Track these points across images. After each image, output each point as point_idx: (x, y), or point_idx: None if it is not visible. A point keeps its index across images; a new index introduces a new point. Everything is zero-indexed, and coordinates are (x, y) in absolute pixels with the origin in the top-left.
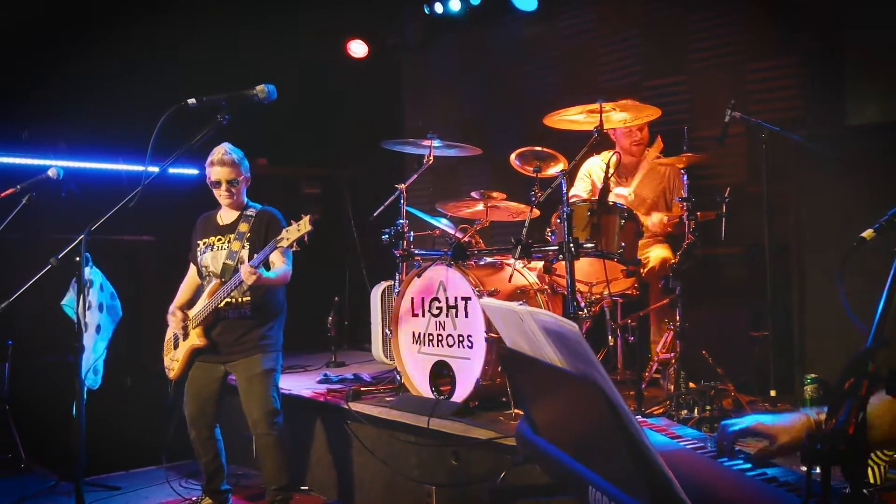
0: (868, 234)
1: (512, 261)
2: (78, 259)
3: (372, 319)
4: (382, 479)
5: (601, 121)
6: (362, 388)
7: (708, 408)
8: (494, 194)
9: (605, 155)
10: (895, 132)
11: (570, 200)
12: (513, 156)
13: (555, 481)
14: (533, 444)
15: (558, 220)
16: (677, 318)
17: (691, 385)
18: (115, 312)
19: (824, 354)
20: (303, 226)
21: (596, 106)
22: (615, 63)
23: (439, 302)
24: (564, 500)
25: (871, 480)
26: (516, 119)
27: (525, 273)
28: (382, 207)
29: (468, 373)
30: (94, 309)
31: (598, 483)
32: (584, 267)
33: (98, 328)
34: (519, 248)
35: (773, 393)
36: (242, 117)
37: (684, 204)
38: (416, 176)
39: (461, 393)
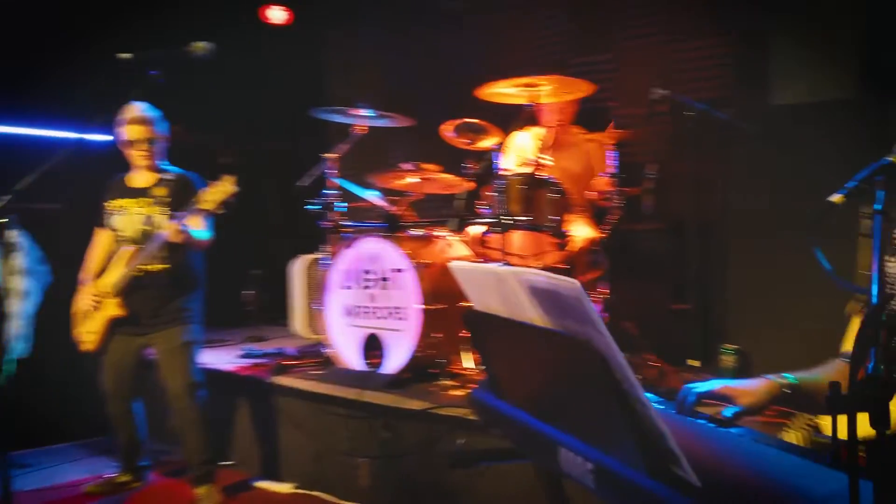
0: (838, 198)
1: (446, 233)
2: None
3: (292, 293)
4: (310, 453)
5: (534, 95)
6: (288, 363)
7: (639, 377)
8: (427, 166)
9: (536, 130)
10: (820, 112)
11: (503, 174)
12: (447, 127)
13: (516, 446)
14: (494, 410)
15: (491, 194)
16: (605, 291)
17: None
18: (41, 277)
19: (744, 327)
20: (225, 186)
21: (529, 80)
22: (542, 39)
23: (371, 274)
24: (523, 464)
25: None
26: (445, 91)
27: (456, 245)
28: (309, 178)
29: (400, 344)
30: (24, 274)
31: (574, 445)
32: (518, 240)
33: (28, 294)
34: (457, 220)
35: (694, 363)
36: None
37: (612, 179)
38: (344, 146)
39: (394, 365)
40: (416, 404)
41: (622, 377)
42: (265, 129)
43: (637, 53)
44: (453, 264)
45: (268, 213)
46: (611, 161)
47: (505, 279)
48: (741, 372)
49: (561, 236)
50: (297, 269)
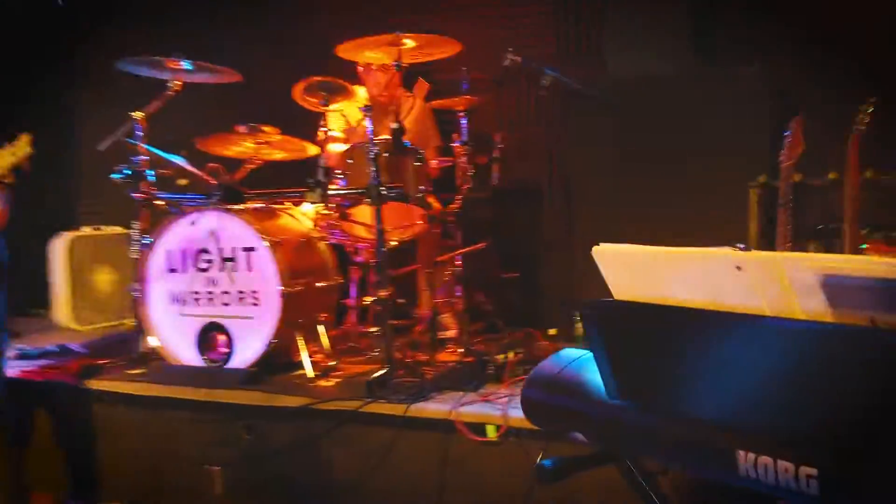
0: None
1: (308, 205)
2: None
3: (52, 278)
4: (143, 465)
5: (399, 53)
6: (98, 363)
7: (520, 351)
8: (267, 129)
9: (361, 95)
10: (653, 85)
11: (359, 142)
12: (298, 86)
13: (634, 451)
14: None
15: (349, 161)
16: (458, 263)
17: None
18: None
19: (593, 294)
20: (19, 148)
21: (392, 37)
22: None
23: (210, 254)
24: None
25: None
26: (287, 48)
27: (300, 218)
28: (110, 141)
29: (253, 334)
30: None
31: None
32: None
33: None
34: (318, 190)
35: (553, 332)
36: None
37: (462, 147)
38: (156, 104)
39: (244, 357)
40: (290, 401)
41: None
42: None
43: (479, 20)
44: (608, 248)
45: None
46: (463, 128)
47: (778, 266)
48: None
49: (427, 207)
50: (58, 248)
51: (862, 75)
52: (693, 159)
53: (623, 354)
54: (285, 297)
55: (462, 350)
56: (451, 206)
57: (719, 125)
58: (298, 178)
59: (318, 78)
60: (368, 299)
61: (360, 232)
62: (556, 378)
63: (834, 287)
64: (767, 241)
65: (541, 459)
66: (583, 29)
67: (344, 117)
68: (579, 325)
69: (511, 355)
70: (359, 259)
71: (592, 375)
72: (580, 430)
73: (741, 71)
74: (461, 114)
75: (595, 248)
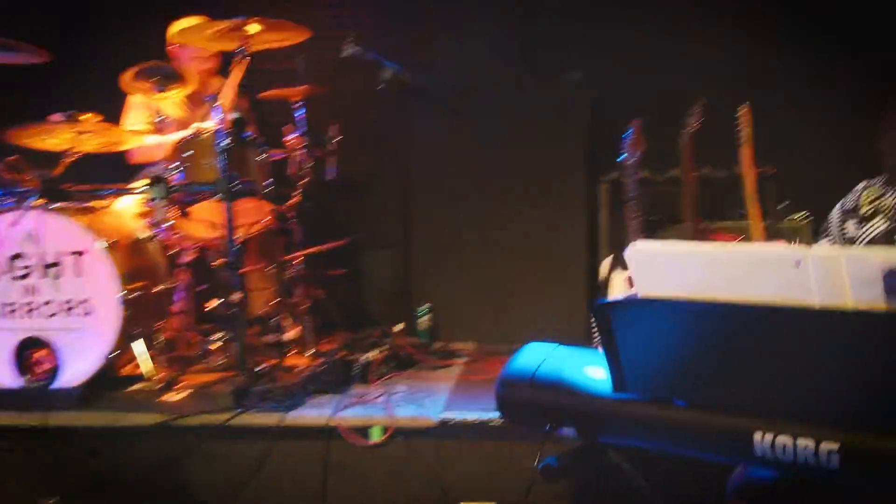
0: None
1: (159, 201)
2: None
3: None
4: None
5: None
6: None
7: (384, 349)
8: (86, 117)
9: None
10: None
11: (196, 133)
12: (129, 71)
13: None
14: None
15: (186, 153)
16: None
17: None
18: None
19: (430, 288)
20: None
21: (236, 22)
22: None
23: (28, 259)
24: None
25: None
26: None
27: (126, 217)
28: None
29: (85, 346)
30: None
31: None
32: (210, 208)
33: None
34: (160, 185)
35: (399, 327)
36: None
37: (299, 139)
38: None
39: (76, 374)
40: (142, 419)
41: None
42: None
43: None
44: (645, 247)
45: None
46: (302, 119)
47: (839, 260)
48: (436, 331)
49: (277, 202)
50: None
51: (693, 78)
52: (521, 160)
53: (638, 350)
54: (124, 304)
55: (312, 352)
56: (290, 200)
57: (546, 128)
58: (111, 172)
59: (154, 63)
60: (213, 303)
61: (201, 231)
62: (535, 377)
63: (894, 279)
64: (617, 233)
65: (540, 459)
66: (416, 29)
67: (151, 108)
68: (422, 320)
69: (375, 354)
70: (185, 260)
71: (576, 372)
72: (571, 425)
73: (566, 77)
74: (297, 104)
75: (630, 248)
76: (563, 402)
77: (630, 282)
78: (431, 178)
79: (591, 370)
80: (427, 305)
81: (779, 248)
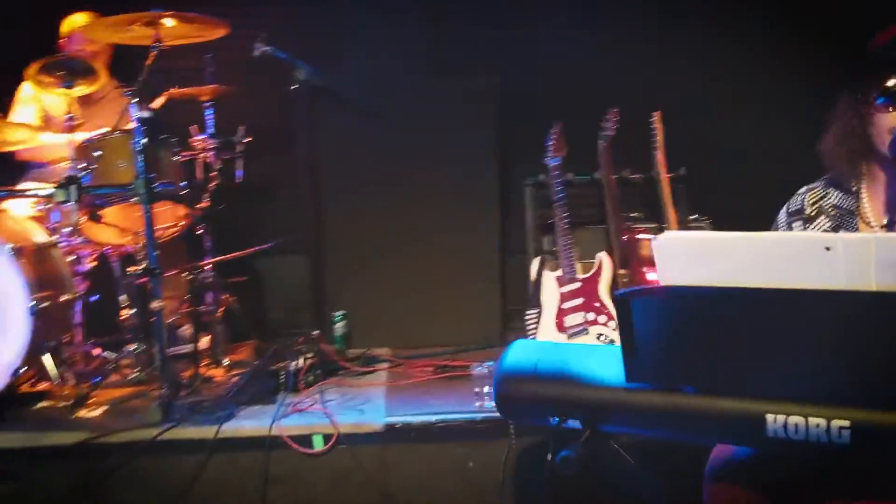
0: None
1: (70, 205)
2: None
3: None
4: None
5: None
6: None
7: (310, 357)
8: None
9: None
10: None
11: (105, 134)
12: (35, 64)
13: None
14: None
15: (96, 153)
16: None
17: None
18: None
19: (344, 293)
20: None
21: (147, 16)
22: None
23: None
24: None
25: None
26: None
27: (25, 221)
28: None
29: None
30: None
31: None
32: (119, 213)
33: None
34: (73, 188)
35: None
36: None
37: (208, 142)
38: None
39: None
40: (60, 438)
41: None
42: None
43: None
44: (672, 236)
45: None
46: (209, 119)
47: (868, 245)
48: (350, 337)
49: (191, 205)
50: None
51: (609, 80)
52: (434, 161)
53: (656, 338)
54: (35, 314)
55: (227, 363)
56: (199, 204)
57: (457, 129)
58: None
59: (62, 56)
60: (125, 313)
61: (109, 236)
62: (538, 371)
63: None
64: (544, 232)
65: (554, 453)
66: (325, 30)
67: (42, 104)
68: (337, 326)
69: (302, 362)
70: (83, 269)
71: (578, 364)
72: (578, 417)
73: (477, 77)
74: (206, 104)
75: (658, 238)
76: (571, 394)
77: (559, 281)
78: (343, 181)
79: (590, 362)
80: (342, 312)
81: (809, 234)
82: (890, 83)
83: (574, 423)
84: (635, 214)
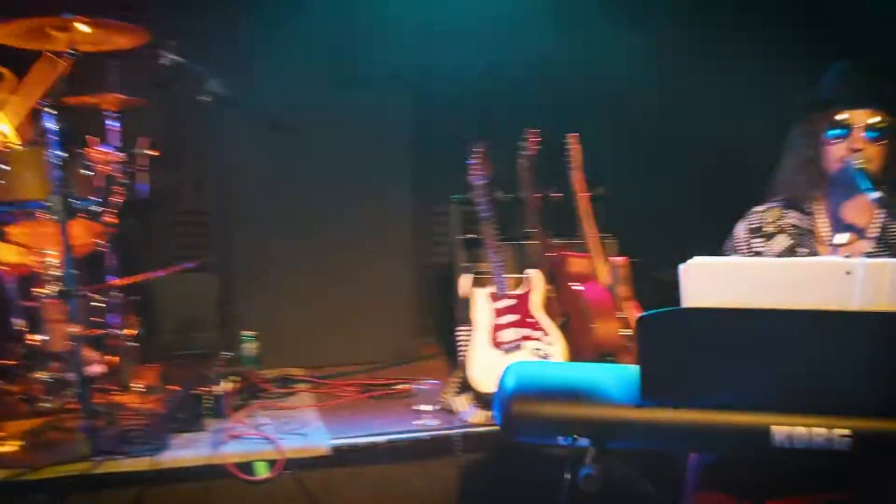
0: None
1: None
2: None
3: None
4: None
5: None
6: None
7: (236, 380)
8: None
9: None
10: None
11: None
12: None
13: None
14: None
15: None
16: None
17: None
18: None
19: (254, 312)
20: None
21: (63, 20)
22: None
23: None
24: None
25: None
26: None
27: None
28: None
29: None
30: None
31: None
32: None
33: None
34: None
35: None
36: None
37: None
38: None
39: None
40: None
41: None
42: None
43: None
44: (700, 262)
45: None
46: (116, 131)
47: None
48: (261, 358)
49: (104, 222)
50: None
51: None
52: (345, 178)
53: (674, 358)
54: None
55: (142, 389)
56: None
57: (369, 145)
58: None
59: None
60: (37, 338)
61: (11, 255)
62: (545, 391)
63: None
64: (471, 248)
65: (573, 471)
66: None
67: None
68: (247, 345)
69: (228, 385)
70: None
71: (584, 383)
72: (588, 434)
73: (387, 96)
74: (109, 114)
75: (686, 263)
76: (582, 413)
77: (492, 297)
78: (251, 197)
79: (596, 380)
80: (252, 332)
81: (831, 258)
82: (838, 117)
83: (582, 442)
84: (554, 232)
